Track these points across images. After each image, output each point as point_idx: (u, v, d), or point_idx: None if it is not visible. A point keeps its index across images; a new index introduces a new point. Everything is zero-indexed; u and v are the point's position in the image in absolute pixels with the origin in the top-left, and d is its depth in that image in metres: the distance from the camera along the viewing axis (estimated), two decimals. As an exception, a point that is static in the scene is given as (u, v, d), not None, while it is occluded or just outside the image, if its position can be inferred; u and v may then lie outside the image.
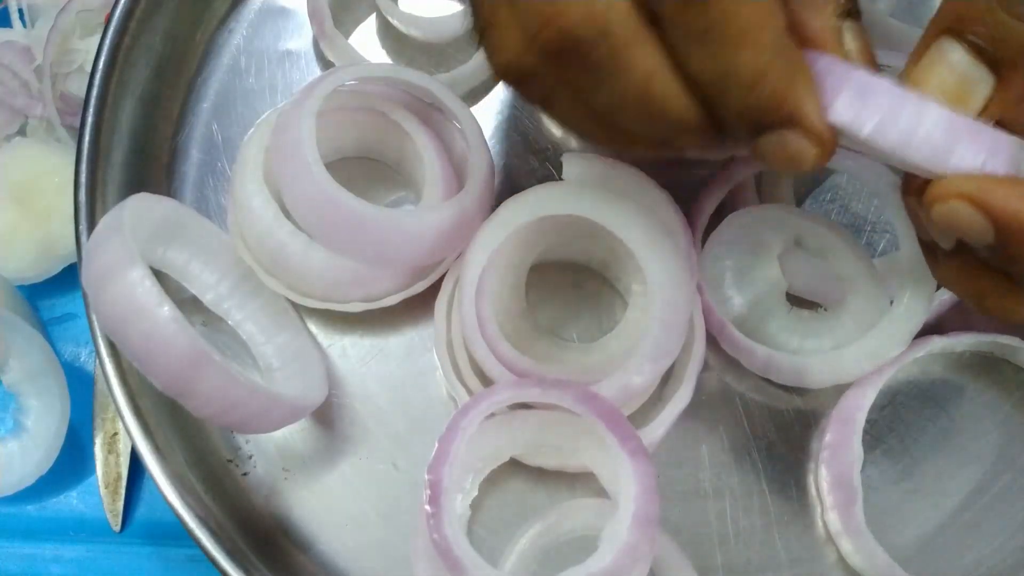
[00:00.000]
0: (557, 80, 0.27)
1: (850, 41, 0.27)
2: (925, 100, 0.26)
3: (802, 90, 0.25)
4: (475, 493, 0.39)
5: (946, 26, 0.27)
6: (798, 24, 0.26)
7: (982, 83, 0.27)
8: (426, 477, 0.36)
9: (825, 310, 0.41)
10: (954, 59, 0.27)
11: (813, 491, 0.41)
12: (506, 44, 0.27)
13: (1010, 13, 0.26)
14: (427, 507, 0.35)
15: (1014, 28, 0.26)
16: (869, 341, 0.39)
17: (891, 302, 0.40)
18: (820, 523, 0.40)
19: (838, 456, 0.39)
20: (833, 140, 0.26)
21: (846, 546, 0.39)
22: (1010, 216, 0.25)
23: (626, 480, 0.35)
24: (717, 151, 0.28)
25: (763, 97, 0.25)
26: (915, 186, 0.27)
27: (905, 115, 0.25)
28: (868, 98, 0.25)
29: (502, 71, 0.28)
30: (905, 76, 0.28)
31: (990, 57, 0.27)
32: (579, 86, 0.27)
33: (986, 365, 0.42)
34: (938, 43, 0.27)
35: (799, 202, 0.44)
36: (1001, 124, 0.27)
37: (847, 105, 0.26)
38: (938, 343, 0.40)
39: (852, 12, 0.27)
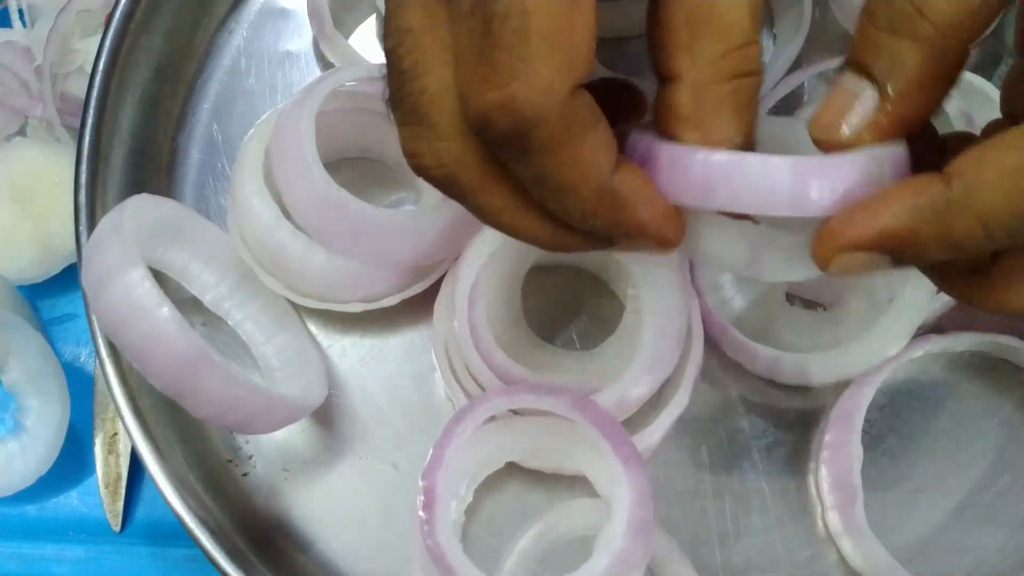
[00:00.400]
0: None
1: None
2: (765, 157, 0.26)
3: (631, 213, 0.27)
4: (470, 499, 0.39)
5: (848, 54, 0.28)
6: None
7: (865, 95, 0.27)
8: (420, 483, 0.36)
9: (825, 309, 0.41)
10: (846, 84, 0.27)
11: (813, 491, 0.41)
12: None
13: (876, 27, 0.27)
14: (421, 513, 0.35)
15: (883, 39, 0.26)
16: (870, 338, 0.39)
17: (890, 300, 0.40)
18: (820, 523, 0.40)
19: (838, 456, 0.39)
20: (676, 234, 0.28)
21: (847, 546, 0.39)
22: (885, 238, 0.25)
23: (620, 487, 0.35)
24: (579, 250, 0.30)
25: (600, 225, 0.27)
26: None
27: (748, 176, 0.26)
28: (711, 172, 0.26)
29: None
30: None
31: (875, 76, 0.27)
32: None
33: (986, 365, 0.42)
34: (839, 75, 0.28)
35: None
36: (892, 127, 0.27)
37: (689, 187, 0.27)
38: (938, 343, 0.40)
39: (748, 143, 0.28)
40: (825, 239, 0.26)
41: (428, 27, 0.27)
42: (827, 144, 0.27)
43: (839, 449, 0.39)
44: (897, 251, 0.26)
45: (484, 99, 0.25)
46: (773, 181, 0.26)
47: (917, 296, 0.39)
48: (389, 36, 0.27)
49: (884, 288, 0.40)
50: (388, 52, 0.28)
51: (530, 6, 0.24)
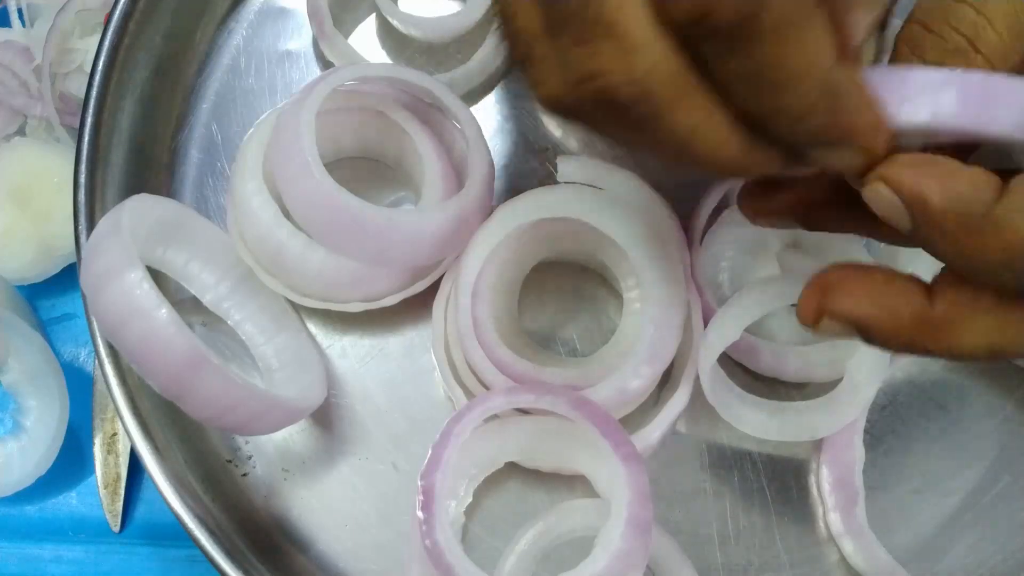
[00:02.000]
0: (602, 119, 0.27)
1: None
2: (987, 74, 0.25)
3: (847, 115, 0.25)
4: (469, 499, 0.39)
5: None
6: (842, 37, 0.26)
7: None
8: (419, 483, 0.36)
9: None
10: None
11: (814, 491, 0.41)
12: (548, 82, 0.27)
13: (926, 62, 0.27)
14: (419, 513, 0.35)
15: None
16: None
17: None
18: (822, 524, 0.40)
19: (839, 457, 0.39)
20: (884, 145, 0.26)
21: (847, 547, 0.39)
22: (915, 196, 0.25)
23: (619, 486, 0.35)
24: (763, 171, 0.28)
25: (812, 128, 0.25)
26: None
27: (978, 96, 0.25)
28: (939, 93, 0.25)
29: (545, 105, 0.28)
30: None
31: None
32: (624, 129, 0.27)
33: (986, 365, 0.42)
34: None
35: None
36: None
37: (921, 106, 0.26)
38: None
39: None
40: (811, 303, 0.28)
41: None
42: None
43: (840, 450, 0.39)
44: (865, 336, 0.27)
45: None
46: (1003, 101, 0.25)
47: None
48: None
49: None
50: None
51: None
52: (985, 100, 0.25)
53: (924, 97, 0.26)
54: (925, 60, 0.27)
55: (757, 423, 0.39)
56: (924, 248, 0.27)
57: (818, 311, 0.28)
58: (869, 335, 0.27)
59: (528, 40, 0.27)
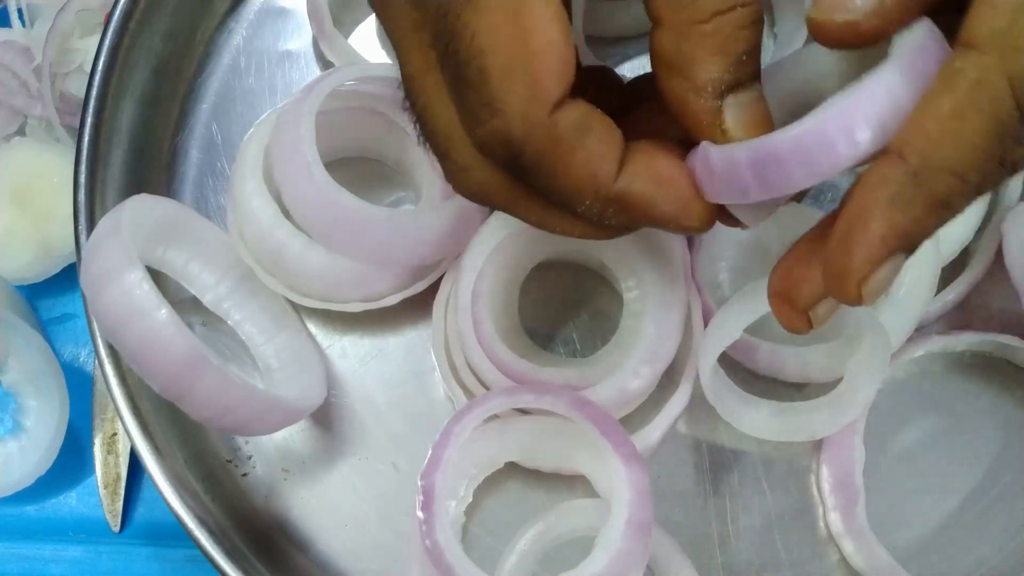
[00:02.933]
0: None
1: (731, 118, 0.28)
2: (786, 131, 0.26)
3: (644, 210, 0.28)
4: (469, 499, 0.39)
5: None
6: (679, 105, 0.28)
7: None
8: (419, 483, 0.36)
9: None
10: None
11: (814, 491, 0.41)
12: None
13: None
14: (419, 513, 0.35)
15: None
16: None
17: (888, 295, 0.40)
18: (822, 524, 0.40)
19: (839, 457, 0.39)
20: (700, 220, 0.28)
21: (848, 547, 0.39)
22: (890, 242, 0.25)
23: (620, 485, 0.35)
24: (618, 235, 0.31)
25: (616, 223, 0.29)
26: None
27: (785, 157, 0.25)
28: (738, 169, 0.26)
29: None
30: None
31: None
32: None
33: (987, 365, 0.42)
34: None
35: (798, 202, 0.44)
36: None
37: (728, 189, 0.27)
38: (938, 342, 0.40)
39: (740, 83, 0.27)
40: (844, 280, 0.26)
41: (425, 71, 0.29)
42: (827, 26, 0.26)
43: (840, 450, 0.39)
44: (907, 242, 0.25)
45: (475, 135, 0.28)
46: (816, 150, 0.25)
47: (917, 290, 0.39)
48: (402, 83, 0.30)
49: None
50: (404, 98, 0.30)
51: (485, 46, 0.26)
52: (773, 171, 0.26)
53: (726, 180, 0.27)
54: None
55: (757, 423, 0.39)
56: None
57: (801, 316, 0.28)
58: (909, 239, 0.26)
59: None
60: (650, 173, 0.28)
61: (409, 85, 0.29)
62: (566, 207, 0.28)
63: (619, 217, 0.28)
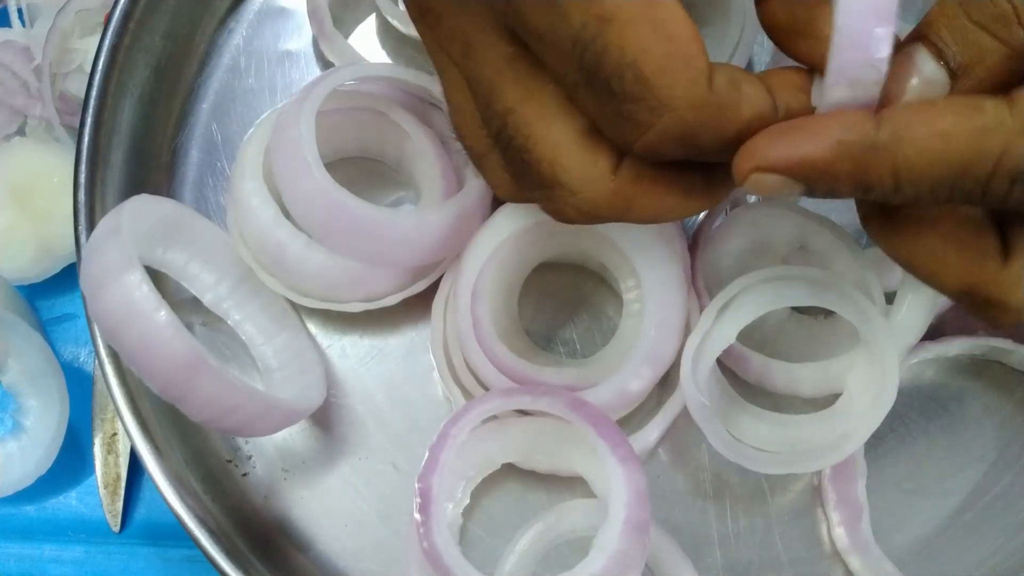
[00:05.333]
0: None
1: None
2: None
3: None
4: (467, 501, 0.39)
5: (918, 31, 0.29)
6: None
7: (939, 86, 0.28)
8: (416, 485, 0.36)
9: (825, 317, 0.41)
10: (918, 60, 0.28)
11: (813, 490, 0.41)
12: (500, 187, 0.33)
13: (971, 20, 0.27)
14: (417, 515, 0.35)
15: (972, 33, 0.27)
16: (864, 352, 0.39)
17: (886, 313, 0.39)
18: (822, 521, 0.40)
19: (842, 473, 0.39)
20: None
21: (855, 562, 0.39)
22: (798, 164, 0.26)
23: (617, 486, 0.35)
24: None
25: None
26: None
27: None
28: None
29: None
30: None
31: (948, 61, 0.28)
32: None
33: (982, 367, 0.42)
34: (907, 47, 0.29)
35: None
36: None
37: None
38: (931, 349, 0.40)
39: None
40: (747, 155, 0.27)
41: (525, 100, 0.29)
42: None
43: (843, 466, 0.39)
44: (812, 182, 0.26)
45: (643, 143, 0.27)
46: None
47: (915, 311, 0.39)
48: (491, 121, 0.30)
49: (883, 298, 0.40)
50: (496, 135, 0.30)
51: (636, 53, 0.26)
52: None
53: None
54: (970, 20, 0.27)
55: (754, 434, 0.39)
56: (825, 196, 0.27)
57: (758, 161, 0.27)
58: (816, 181, 0.26)
59: (477, 156, 0.32)
60: (786, 78, 0.28)
61: (504, 120, 0.30)
62: (724, 151, 0.28)
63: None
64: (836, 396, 0.40)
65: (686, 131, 0.27)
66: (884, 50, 0.26)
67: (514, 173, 0.31)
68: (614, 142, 0.29)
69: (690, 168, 0.30)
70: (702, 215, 0.42)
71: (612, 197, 0.29)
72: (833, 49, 0.26)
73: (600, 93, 0.27)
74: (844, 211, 0.43)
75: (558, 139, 0.29)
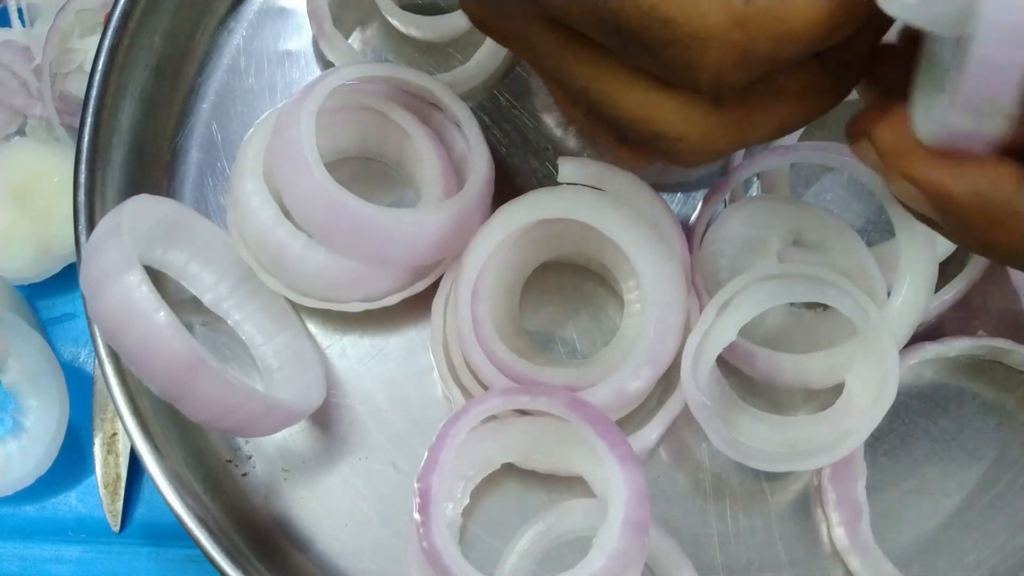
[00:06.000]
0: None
1: None
2: None
3: None
4: (466, 501, 0.39)
5: None
6: None
7: None
8: (415, 485, 0.36)
9: (824, 308, 0.41)
10: None
11: (812, 490, 0.41)
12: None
13: None
14: (416, 516, 0.35)
15: None
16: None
17: (887, 299, 0.40)
18: (822, 520, 0.40)
19: (842, 472, 0.39)
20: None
21: (854, 563, 0.39)
22: (937, 191, 0.25)
23: (616, 486, 0.35)
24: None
25: None
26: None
27: None
28: None
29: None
30: None
31: None
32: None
33: (982, 367, 0.42)
34: None
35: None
36: None
37: None
38: (931, 349, 0.40)
39: None
40: (896, 155, 0.26)
41: (593, 75, 0.29)
42: None
43: (842, 466, 0.39)
44: (944, 213, 0.26)
45: (708, 80, 0.26)
46: None
47: (915, 294, 0.39)
48: (578, 102, 0.30)
49: (883, 287, 0.40)
50: (588, 113, 0.30)
51: (651, 1, 0.25)
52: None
53: None
54: None
55: (754, 434, 0.39)
56: (952, 239, 0.27)
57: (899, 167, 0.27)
58: (943, 208, 0.26)
59: (590, 136, 0.35)
60: None
61: (588, 98, 0.29)
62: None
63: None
64: (840, 389, 0.39)
65: (742, 53, 0.26)
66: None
67: (622, 140, 0.31)
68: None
69: (796, 68, 0.29)
70: (695, 214, 0.42)
71: (721, 129, 0.29)
72: (966, 68, 0.23)
73: (641, 51, 0.26)
74: (841, 206, 0.44)
75: (640, 98, 0.28)
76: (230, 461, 0.42)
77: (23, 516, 0.47)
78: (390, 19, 0.45)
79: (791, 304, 0.41)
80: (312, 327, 0.43)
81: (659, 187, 0.41)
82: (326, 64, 0.46)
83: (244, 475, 0.42)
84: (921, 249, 0.39)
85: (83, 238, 0.41)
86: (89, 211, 0.42)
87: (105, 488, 0.46)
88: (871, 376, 0.38)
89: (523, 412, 0.39)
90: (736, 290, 0.38)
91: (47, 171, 0.48)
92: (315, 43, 0.47)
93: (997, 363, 0.42)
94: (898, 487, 0.41)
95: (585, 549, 0.35)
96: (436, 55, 0.46)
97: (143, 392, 0.40)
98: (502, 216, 0.39)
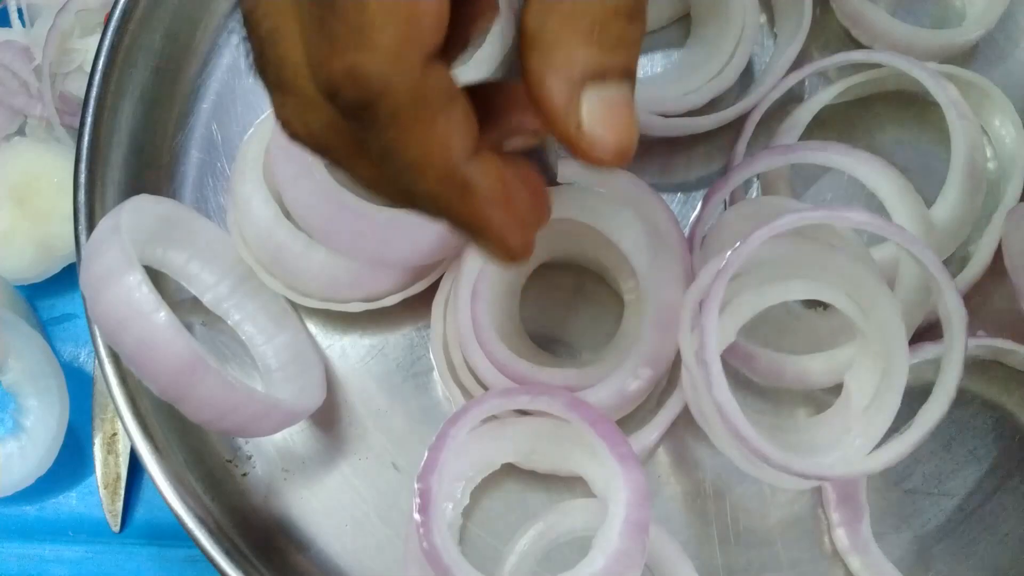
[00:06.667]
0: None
1: (587, 112, 0.25)
2: None
3: (478, 207, 0.26)
4: (467, 502, 0.39)
5: None
6: (536, 87, 0.25)
7: None
8: (415, 486, 0.36)
9: (824, 308, 0.41)
10: None
11: (813, 490, 0.41)
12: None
13: None
14: (416, 516, 0.35)
15: None
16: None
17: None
18: (822, 522, 0.40)
19: None
20: (521, 246, 0.27)
21: (855, 563, 0.39)
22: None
23: (616, 486, 0.35)
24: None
25: (444, 214, 0.26)
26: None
27: None
28: None
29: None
30: None
31: None
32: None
33: (983, 367, 0.42)
34: None
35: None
36: None
37: None
38: (931, 350, 0.40)
39: (604, 74, 0.25)
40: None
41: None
42: None
43: None
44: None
45: (330, 67, 0.24)
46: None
47: (913, 294, 0.39)
48: (244, 3, 0.26)
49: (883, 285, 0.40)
50: (246, 15, 0.26)
51: None
52: None
53: None
54: None
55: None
56: None
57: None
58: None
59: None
60: (499, 173, 0.26)
61: (254, 4, 0.26)
62: (402, 175, 0.26)
63: (451, 204, 0.26)
64: (839, 390, 0.39)
65: (372, 86, 0.24)
66: None
67: (253, 57, 0.27)
68: (311, 53, 0.25)
69: None
70: (695, 214, 0.42)
71: (344, 134, 0.26)
72: None
73: None
74: (839, 203, 0.43)
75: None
76: (230, 461, 0.42)
77: (23, 516, 0.47)
78: (390, 19, 0.45)
79: (791, 304, 0.41)
80: (312, 327, 0.43)
81: (659, 187, 0.41)
82: (326, 64, 0.46)
83: (244, 475, 0.42)
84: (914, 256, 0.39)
85: (83, 238, 0.41)
86: (89, 211, 0.42)
87: (105, 488, 0.46)
88: (871, 377, 0.38)
89: (523, 412, 0.39)
90: (736, 290, 0.38)
91: (47, 171, 0.48)
92: (315, 43, 0.46)
93: (997, 363, 0.42)
94: (898, 487, 0.41)
95: (585, 549, 0.35)
96: (436, 55, 0.46)
97: (143, 392, 0.40)
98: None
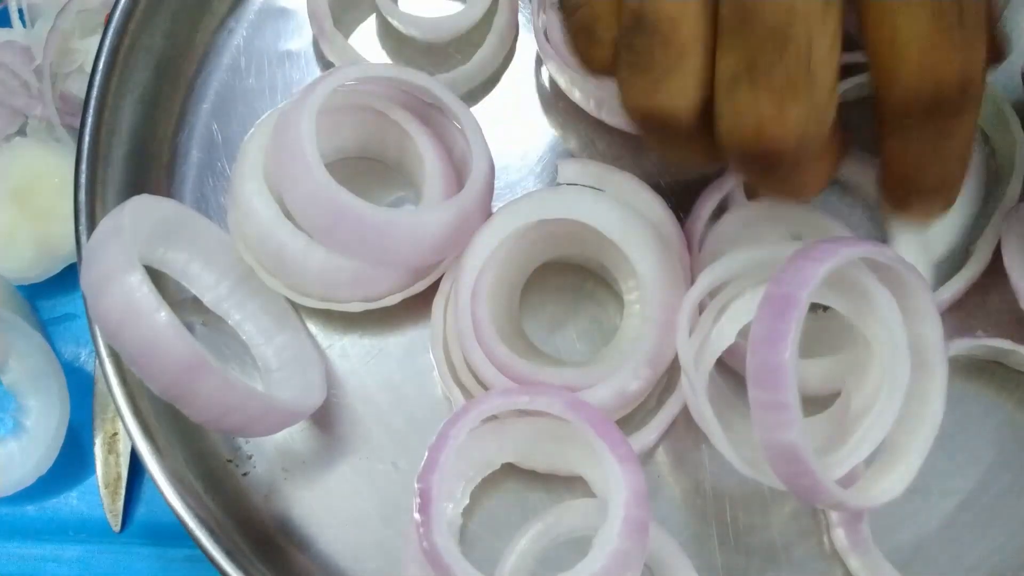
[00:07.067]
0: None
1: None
2: None
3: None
4: (467, 501, 0.39)
5: None
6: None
7: None
8: (415, 486, 0.36)
9: (824, 311, 0.41)
10: None
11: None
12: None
13: None
14: (416, 515, 0.35)
15: None
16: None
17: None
18: (822, 520, 0.40)
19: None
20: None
21: (854, 563, 0.39)
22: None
23: (616, 486, 0.35)
24: None
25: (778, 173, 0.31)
26: None
27: None
28: None
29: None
30: None
31: None
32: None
33: (982, 367, 0.42)
34: None
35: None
36: None
37: None
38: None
39: None
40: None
41: None
42: None
43: None
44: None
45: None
46: None
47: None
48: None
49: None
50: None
51: None
52: None
53: None
54: None
55: (753, 437, 0.39)
56: None
57: None
58: None
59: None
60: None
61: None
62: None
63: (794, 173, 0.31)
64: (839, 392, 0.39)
65: None
66: None
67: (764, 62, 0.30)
68: None
69: None
70: (695, 214, 0.42)
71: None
72: None
73: None
74: (840, 208, 0.44)
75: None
76: (230, 461, 0.42)
77: (23, 516, 0.47)
78: (390, 19, 0.45)
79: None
80: (312, 327, 0.43)
81: (659, 187, 0.41)
82: (326, 64, 0.46)
83: (244, 475, 0.42)
84: (916, 252, 0.39)
85: (84, 238, 0.41)
86: (89, 211, 0.42)
87: (106, 488, 0.46)
88: (870, 379, 0.38)
89: (523, 412, 0.39)
90: (737, 291, 0.38)
91: (48, 171, 0.48)
92: (315, 43, 0.47)
93: (997, 363, 0.42)
94: (898, 487, 0.41)
95: (585, 549, 0.35)
96: (436, 55, 0.46)
97: (143, 392, 0.40)
98: (502, 216, 0.39)
